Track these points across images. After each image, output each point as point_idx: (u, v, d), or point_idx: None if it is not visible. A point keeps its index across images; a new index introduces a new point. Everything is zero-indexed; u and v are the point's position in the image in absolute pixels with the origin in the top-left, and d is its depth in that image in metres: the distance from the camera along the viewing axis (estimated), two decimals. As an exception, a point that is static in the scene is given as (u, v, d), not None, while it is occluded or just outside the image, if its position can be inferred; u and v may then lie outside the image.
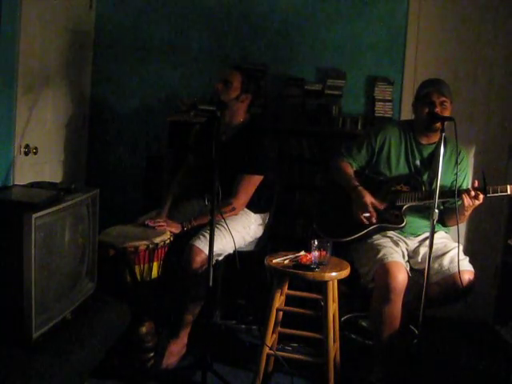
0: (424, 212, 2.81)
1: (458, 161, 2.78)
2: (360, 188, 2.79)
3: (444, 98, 2.72)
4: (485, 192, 2.59)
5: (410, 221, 2.81)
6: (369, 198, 2.74)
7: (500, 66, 3.58)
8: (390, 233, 2.83)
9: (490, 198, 2.65)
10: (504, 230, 3.56)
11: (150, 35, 3.87)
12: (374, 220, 2.73)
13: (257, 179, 2.96)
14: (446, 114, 2.70)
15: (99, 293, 2.36)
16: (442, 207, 2.73)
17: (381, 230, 2.81)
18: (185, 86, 3.82)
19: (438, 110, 2.69)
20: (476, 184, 2.63)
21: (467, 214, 2.70)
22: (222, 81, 2.94)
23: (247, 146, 2.94)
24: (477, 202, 2.60)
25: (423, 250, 2.76)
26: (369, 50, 3.70)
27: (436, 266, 2.61)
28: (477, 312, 3.20)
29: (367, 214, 2.73)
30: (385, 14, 3.67)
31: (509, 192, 2.59)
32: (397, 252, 2.68)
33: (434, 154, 2.81)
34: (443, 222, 2.85)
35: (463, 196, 2.59)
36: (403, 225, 2.76)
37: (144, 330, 2.63)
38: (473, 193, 2.58)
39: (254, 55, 3.76)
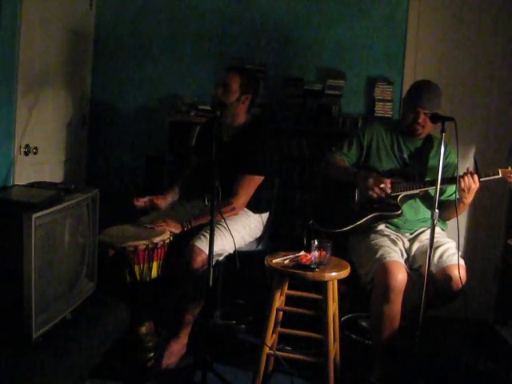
0: (420, 208, 2.85)
1: (446, 154, 2.81)
2: (361, 170, 2.82)
3: (428, 111, 2.75)
4: (478, 176, 2.63)
5: (406, 217, 2.83)
6: (375, 173, 2.78)
7: (500, 66, 3.58)
8: (388, 231, 2.85)
9: (490, 197, 2.66)
10: (504, 230, 3.57)
11: (150, 35, 3.88)
12: (388, 190, 2.75)
13: (257, 180, 2.96)
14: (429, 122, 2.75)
15: (99, 293, 2.36)
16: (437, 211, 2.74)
17: (378, 220, 2.84)
18: (185, 86, 3.82)
19: (420, 120, 2.75)
20: (469, 169, 2.66)
21: (467, 201, 2.71)
22: (221, 84, 2.94)
23: (248, 147, 2.94)
24: (473, 186, 2.62)
25: (415, 245, 2.80)
26: (369, 50, 3.70)
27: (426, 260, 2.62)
28: (477, 312, 3.19)
29: (382, 185, 2.74)
30: (385, 15, 3.68)
31: (500, 175, 2.63)
32: (395, 251, 2.69)
33: (422, 148, 2.89)
34: (441, 215, 2.86)
35: (460, 179, 2.62)
36: (399, 212, 2.79)
37: (144, 330, 2.63)
38: (469, 175, 2.62)
39: (254, 55, 3.77)
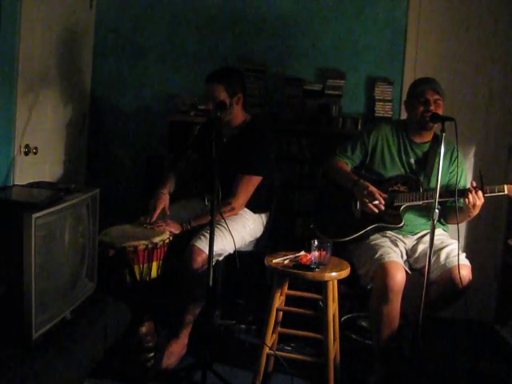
0: (422, 211, 2.82)
1: (453, 159, 2.82)
2: (361, 180, 2.79)
3: (438, 96, 2.75)
4: (482, 191, 2.60)
5: (408, 219, 2.82)
6: (373, 187, 2.74)
7: (500, 66, 3.58)
8: (389, 233, 2.84)
9: (490, 198, 2.66)
10: (504, 230, 3.56)
11: (150, 35, 3.87)
12: (382, 207, 2.73)
13: (256, 180, 2.96)
14: (439, 111, 2.72)
15: (99, 293, 2.36)
16: (439, 207, 2.74)
17: (379, 230, 2.81)
18: (185, 86, 3.82)
19: (432, 107, 2.72)
20: (474, 184, 2.64)
21: (472, 215, 2.68)
22: (209, 98, 2.92)
23: (247, 147, 2.94)
24: (478, 202, 2.60)
25: (421, 247, 2.78)
26: (369, 50, 3.70)
27: (432, 261, 2.61)
28: (477, 312, 3.19)
29: (376, 202, 2.72)
30: (385, 14, 3.67)
31: (506, 191, 2.60)
32: (395, 252, 2.69)
33: (429, 153, 2.84)
34: (445, 219, 2.86)
35: (467, 193, 2.60)
36: (401, 225, 2.77)
37: (144, 329, 2.63)
38: (473, 192, 2.59)
39: (253, 55, 3.76)
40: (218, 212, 2.53)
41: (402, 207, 2.77)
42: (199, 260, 2.69)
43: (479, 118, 3.63)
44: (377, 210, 2.73)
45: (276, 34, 3.75)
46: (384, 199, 2.73)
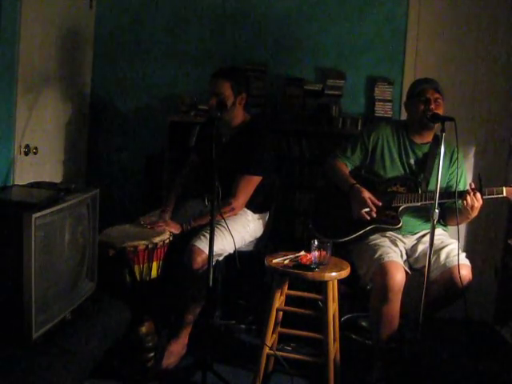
0: (420, 211, 2.82)
1: (453, 160, 2.82)
2: (357, 185, 2.80)
3: (438, 95, 2.76)
4: (481, 193, 2.60)
5: (407, 219, 2.82)
6: (367, 194, 2.76)
7: (500, 66, 3.58)
8: (388, 232, 2.84)
9: (489, 199, 2.66)
10: (504, 230, 3.56)
11: (150, 35, 3.87)
12: (374, 214, 2.74)
13: (256, 180, 2.96)
14: (440, 111, 2.73)
15: (99, 293, 2.36)
16: (439, 208, 2.74)
17: (377, 231, 2.82)
18: (185, 86, 3.82)
19: (432, 106, 2.72)
20: (472, 186, 2.64)
21: (471, 216, 2.68)
22: (213, 94, 2.91)
23: (247, 147, 2.94)
24: (476, 204, 2.60)
25: (421, 246, 2.78)
26: (369, 50, 3.70)
27: (432, 261, 2.61)
28: (477, 312, 3.19)
29: (367, 209, 2.74)
30: (385, 14, 3.67)
31: (504, 194, 2.60)
32: (394, 251, 2.69)
33: (429, 154, 2.84)
34: (444, 220, 2.86)
35: (466, 195, 2.60)
36: (399, 226, 2.77)
37: (144, 329, 2.63)
38: (471, 194, 2.59)
39: (254, 55, 3.76)
40: (218, 212, 2.53)
41: (400, 208, 2.78)
42: (199, 260, 2.69)
43: (479, 118, 3.63)
44: (368, 218, 2.75)
45: (276, 34, 3.75)
46: (378, 206, 2.74)
